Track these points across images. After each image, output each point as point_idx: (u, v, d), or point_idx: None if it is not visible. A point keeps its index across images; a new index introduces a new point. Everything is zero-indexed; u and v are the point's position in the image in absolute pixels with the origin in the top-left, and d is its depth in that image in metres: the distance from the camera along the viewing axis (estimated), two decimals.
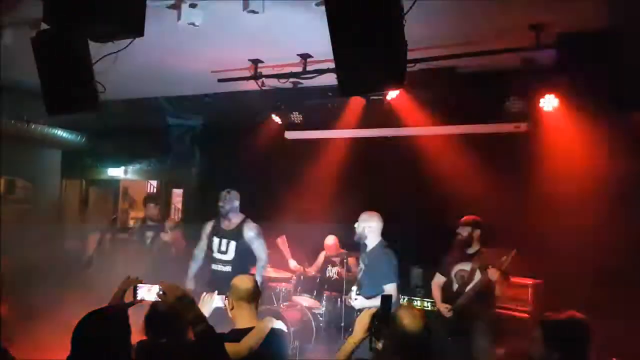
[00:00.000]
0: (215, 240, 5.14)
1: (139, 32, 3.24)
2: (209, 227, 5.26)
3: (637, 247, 4.49)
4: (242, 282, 2.98)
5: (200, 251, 5.30)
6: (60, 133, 7.68)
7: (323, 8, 2.91)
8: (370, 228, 4.32)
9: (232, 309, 2.92)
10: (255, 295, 2.96)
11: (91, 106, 3.73)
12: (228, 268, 5.01)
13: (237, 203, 5.10)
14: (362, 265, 4.43)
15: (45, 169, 8.15)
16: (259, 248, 5.09)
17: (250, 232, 5.08)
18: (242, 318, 2.90)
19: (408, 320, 2.33)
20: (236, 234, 5.08)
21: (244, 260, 5.06)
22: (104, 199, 8.96)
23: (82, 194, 8.94)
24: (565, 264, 4.86)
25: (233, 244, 5.06)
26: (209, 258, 5.20)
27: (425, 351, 2.34)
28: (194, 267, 5.26)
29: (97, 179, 9.01)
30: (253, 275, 4.69)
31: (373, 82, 2.98)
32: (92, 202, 8.97)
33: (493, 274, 4.25)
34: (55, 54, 3.49)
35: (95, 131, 7.89)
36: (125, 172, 8.86)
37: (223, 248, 5.08)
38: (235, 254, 5.05)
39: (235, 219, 5.13)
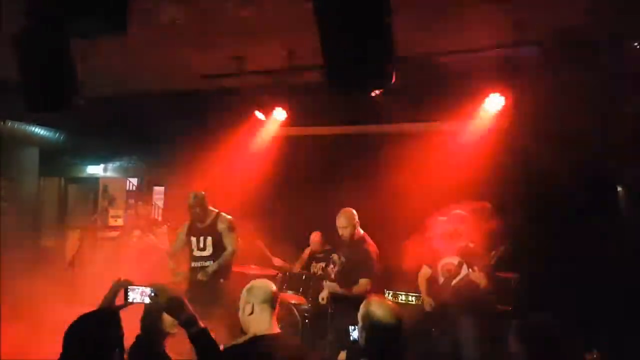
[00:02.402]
0: (193, 239, 5.27)
1: (122, 28, 3.19)
2: (184, 228, 5.38)
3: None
4: (266, 284, 2.71)
5: (175, 250, 5.44)
6: (38, 130, 7.51)
7: (311, 4, 2.90)
8: (348, 225, 4.70)
9: (250, 313, 2.59)
10: (277, 301, 2.69)
11: (73, 104, 3.67)
12: (209, 263, 5.16)
13: (206, 203, 5.25)
14: (342, 259, 4.79)
15: (22, 167, 7.96)
16: (229, 240, 5.22)
17: (222, 224, 5.24)
18: (264, 323, 2.58)
19: (380, 313, 2.34)
20: (211, 229, 5.23)
21: (222, 252, 5.21)
22: (83, 197, 8.80)
23: (61, 192, 8.77)
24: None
25: (209, 239, 5.21)
26: (189, 257, 5.32)
27: (397, 342, 2.35)
28: (171, 263, 5.37)
29: (76, 177, 8.85)
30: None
31: (361, 79, 2.98)
32: (72, 200, 8.81)
33: (480, 268, 4.30)
34: (37, 51, 3.41)
35: (74, 128, 7.74)
36: (105, 169, 8.73)
37: (201, 245, 5.23)
38: (213, 249, 5.20)
39: (209, 216, 5.27)
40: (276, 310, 2.67)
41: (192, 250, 5.27)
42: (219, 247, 5.22)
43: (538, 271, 4.86)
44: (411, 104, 5.66)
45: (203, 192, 5.29)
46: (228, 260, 5.24)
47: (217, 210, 5.32)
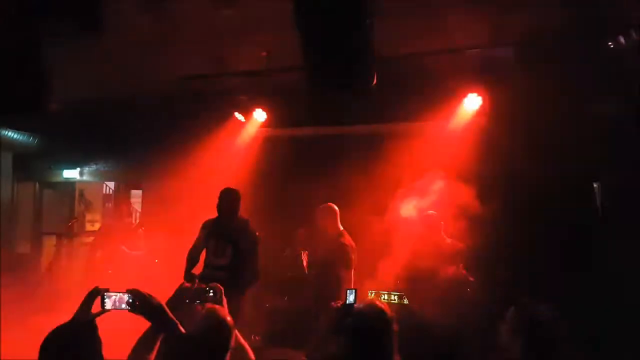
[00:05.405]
0: (212, 242, 4.70)
1: (98, 30, 3.14)
2: (207, 226, 4.80)
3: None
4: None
5: (196, 251, 4.78)
6: (11, 134, 7.35)
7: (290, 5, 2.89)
8: (327, 220, 4.80)
9: None
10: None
11: (47, 107, 3.59)
12: (222, 274, 4.46)
13: (238, 204, 4.70)
14: (320, 252, 4.88)
15: None
16: (251, 257, 4.68)
17: (248, 236, 4.70)
18: None
19: (373, 314, 2.35)
20: (235, 238, 4.64)
21: (241, 266, 4.61)
22: (59, 202, 8.63)
23: (36, 197, 8.59)
24: None
25: (230, 247, 4.63)
26: (204, 261, 4.77)
27: (391, 344, 2.34)
28: (189, 266, 4.74)
29: (51, 182, 8.67)
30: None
31: (342, 80, 2.98)
32: (47, 205, 8.64)
33: (457, 265, 4.34)
34: (7, 51, 3.32)
35: (49, 132, 7.59)
36: (81, 173, 8.57)
37: (219, 251, 4.65)
38: (231, 259, 4.61)
39: (236, 221, 4.72)
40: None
41: (207, 255, 4.70)
42: (239, 260, 4.59)
43: (515, 262, 4.94)
44: (391, 104, 5.69)
45: (236, 190, 4.71)
46: (247, 285, 4.66)
47: (246, 219, 4.76)
